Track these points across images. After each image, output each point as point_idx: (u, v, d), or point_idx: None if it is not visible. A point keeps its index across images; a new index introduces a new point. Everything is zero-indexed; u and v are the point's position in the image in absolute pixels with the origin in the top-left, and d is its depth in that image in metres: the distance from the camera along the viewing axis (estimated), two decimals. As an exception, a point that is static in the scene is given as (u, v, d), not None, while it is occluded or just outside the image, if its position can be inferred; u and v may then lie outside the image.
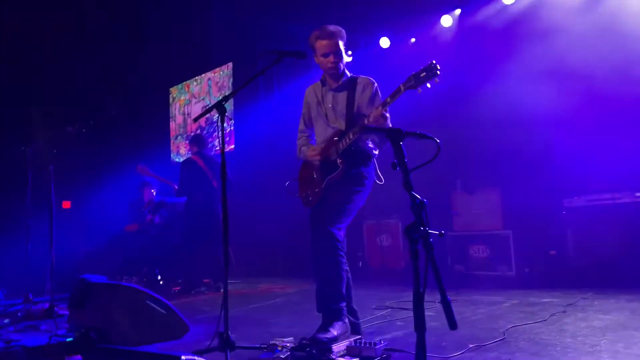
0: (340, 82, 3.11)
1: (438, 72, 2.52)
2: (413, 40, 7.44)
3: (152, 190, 7.33)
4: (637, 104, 5.15)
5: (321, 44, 3.03)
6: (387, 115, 2.84)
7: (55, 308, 4.37)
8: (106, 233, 7.65)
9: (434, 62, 2.54)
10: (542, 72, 5.80)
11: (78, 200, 8.11)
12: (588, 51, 5.46)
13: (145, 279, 6.59)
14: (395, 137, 1.51)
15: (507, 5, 6.38)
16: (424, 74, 2.55)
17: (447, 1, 6.87)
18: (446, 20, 6.96)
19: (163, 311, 3.34)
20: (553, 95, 5.67)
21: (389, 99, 2.75)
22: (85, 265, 6.91)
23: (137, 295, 3.33)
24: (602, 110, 5.41)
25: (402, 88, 2.66)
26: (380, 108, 2.76)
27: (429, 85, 2.57)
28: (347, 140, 2.93)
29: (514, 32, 6.26)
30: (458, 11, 6.93)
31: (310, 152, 3.15)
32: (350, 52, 8.19)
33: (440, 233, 1.47)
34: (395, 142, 1.51)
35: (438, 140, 1.59)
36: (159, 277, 6.62)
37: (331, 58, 3.02)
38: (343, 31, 3.07)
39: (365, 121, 2.81)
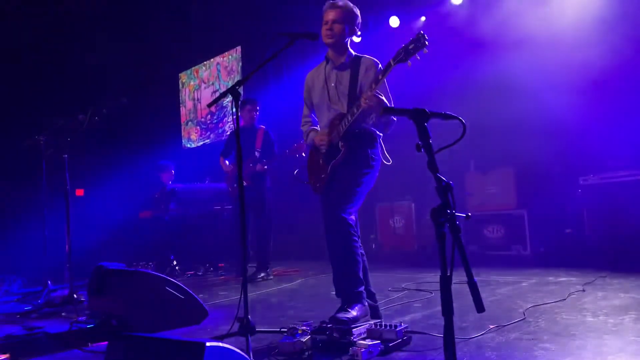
0: (342, 60, 3.06)
1: (426, 42, 2.49)
2: (423, 19, 7.34)
3: (172, 171, 7.31)
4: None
5: (324, 14, 3.01)
6: (382, 96, 2.77)
7: (75, 295, 4.42)
8: (121, 220, 7.70)
9: (421, 32, 2.53)
10: (556, 50, 5.70)
11: (92, 187, 8.16)
12: (601, 31, 5.35)
13: (161, 265, 6.64)
14: (420, 118, 1.48)
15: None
16: (412, 45, 2.54)
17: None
18: (457, -2, 6.84)
19: (182, 296, 3.35)
20: (567, 72, 5.58)
21: (380, 76, 2.72)
22: (102, 252, 6.96)
23: (156, 282, 3.35)
24: (617, 87, 5.32)
25: (392, 63, 2.63)
26: (373, 86, 2.73)
27: (418, 57, 2.55)
28: (347, 122, 2.90)
29: (527, 8, 6.14)
30: (469, -12, 6.81)
31: (318, 138, 3.12)
32: (359, 32, 8.12)
33: (467, 216, 1.44)
34: (419, 123, 1.48)
35: (464, 121, 1.55)
36: (175, 263, 6.67)
37: (327, 26, 2.98)
38: (350, 6, 3.02)
39: (361, 103, 2.77)
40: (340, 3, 3.00)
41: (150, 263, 6.79)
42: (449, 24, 6.98)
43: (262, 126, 5.94)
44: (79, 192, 8.24)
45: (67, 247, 4.79)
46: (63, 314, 4.08)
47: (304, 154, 5.26)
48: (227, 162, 5.98)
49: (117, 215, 7.89)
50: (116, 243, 7.63)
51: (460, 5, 6.88)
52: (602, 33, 5.35)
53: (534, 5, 6.08)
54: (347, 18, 2.99)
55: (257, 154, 5.74)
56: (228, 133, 9.30)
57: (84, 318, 3.65)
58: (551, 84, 5.65)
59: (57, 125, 4.87)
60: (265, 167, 5.64)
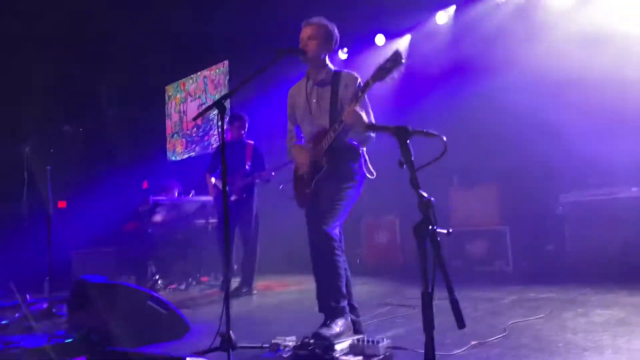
0: (322, 76, 3.10)
1: (403, 60, 2.54)
2: (409, 37, 7.45)
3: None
4: (632, 101, 5.15)
5: (301, 33, 3.08)
6: (362, 112, 2.80)
7: (53, 309, 4.35)
8: (104, 233, 7.61)
9: (398, 51, 2.56)
10: (539, 68, 5.82)
11: (75, 199, 8.07)
12: (583, 48, 5.49)
13: (143, 279, 6.57)
14: (402, 135, 1.51)
15: (501, 4, 6.39)
16: (389, 64, 2.58)
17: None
18: (441, 17, 6.97)
19: (164, 311, 3.33)
20: (549, 91, 5.69)
21: (359, 94, 2.76)
22: (83, 266, 6.88)
23: (138, 295, 3.32)
24: (598, 106, 5.42)
25: (370, 82, 2.68)
26: (352, 104, 2.76)
27: (395, 75, 2.58)
28: (330, 138, 2.92)
29: (510, 28, 6.27)
30: (453, 8, 6.94)
31: (300, 160, 3.15)
32: (345, 50, 8.19)
33: (448, 232, 1.47)
34: (401, 140, 1.50)
35: (445, 138, 1.58)
36: (157, 277, 6.60)
37: (302, 43, 3.04)
38: (325, 22, 3.09)
39: (343, 119, 2.81)
40: (315, 20, 3.07)
41: (133, 276, 6.72)
42: (434, 42, 7.10)
43: (250, 141, 5.94)
44: (62, 204, 8.16)
45: (47, 259, 4.73)
46: (41, 328, 4.01)
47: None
48: (212, 179, 5.93)
49: (100, 227, 7.80)
50: (98, 256, 7.54)
51: (444, 25, 7.00)
52: (587, 50, 5.48)
53: (518, 23, 6.21)
54: (321, 34, 3.05)
55: (247, 167, 5.73)
56: (214, 147, 9.29)
57: (62, 332, 3.59)
58: (534, 102, 5.75)
59: (41, 136, 4.84)
60: (273, 173, 5.61)
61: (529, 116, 5.83)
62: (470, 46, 6.66)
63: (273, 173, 5.61)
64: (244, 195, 5.70)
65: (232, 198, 5.61)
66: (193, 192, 7.22)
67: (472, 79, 6.39)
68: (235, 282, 5.84)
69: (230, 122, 5.79)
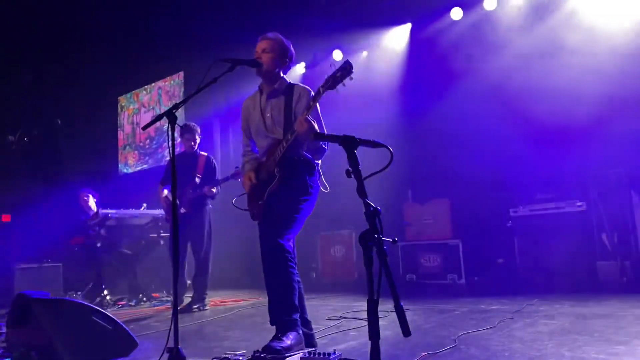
0: (275, 86, 3.11)
1: (352, 70, 2.60)
2: (365, 53, 7.58)
3: (89, 198, 7.09)
4: (580, 116, 5.37)
5: (256, 46, 3.10)
6: (314, 121, 2.81)
7: (-7, 326, 4.12)
8: (50, 247, 7.31)
9: (347, 61, 2.64)
10: (489, 86, 6.02)
11: (19, 212, 7.73)
12: (534, 66, 5.73)
13: (91, 294, 6.34)
14: (349, 145, 1.52)
15: (456, 21, 6.58)
16: (339, 73, 2.63)
17: (398, 15, 7.03)
18: (397, 34, 7.12)
19: (110, 327, 3.20)
20: (499, 109, 5.89)
21: (311, 103, 2.81)
22: (27, 281, 6.58)
23: (82, 311, 3.19)
24: (546, 123, 5.63)
25: (321, 90, 2.73)
26: (305, 113, 2.79)
27: (344, 84, 2.64)
28: (282, 148, 2.93)
29: (463, 47, 6.47)
30: (409, 25, 7.11)
31: (244, 181, 3.17)
32: (304, 64, 8.24)
33: (394, 240, 1.48)
34: (349, 150, 1.51)
35: (391, 149, 1.60)
36: (105, 293, 6.37)
37: (257, 55, 3.06)
38: (280, 38, 3.12)
39: (295, 128, 2.82)
40: (271, 35, 3.10)
41: (79, 292, 6.47)
42: (390, 58, 7.25)
43: (204, 153, 5.86)
44: (5, 218, 7.81)
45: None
46: (-22, 347, 3.79)
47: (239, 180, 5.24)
48: (165, 192, 5.81)
49: (46, 242, 7.50)
50: (44, 271, 7.22)
51: (400, 42, 7.16)
52: (538, 65, 5.71)
53: (472, 40, 6.41)
54: (276, 49, 3.07)
55: (197, 180, 5.64)
56: (167, 159, 9.13)
57: (0, 351, 3.40)
58: (487, 119, 5.94)
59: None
60: (214, 189, 5.53)
61: (481, 132, 6.02)
62: (425, 63, 6.83)
63: (214, 190, 5.54)
64: (194, 208, 5.59)
65: (182, 211, 5.50)
66: (145, 205, 7.05)
67: (426, 94, 6.55)
68: (187, 298, 5.72)
69: (181, 134, 5.70)
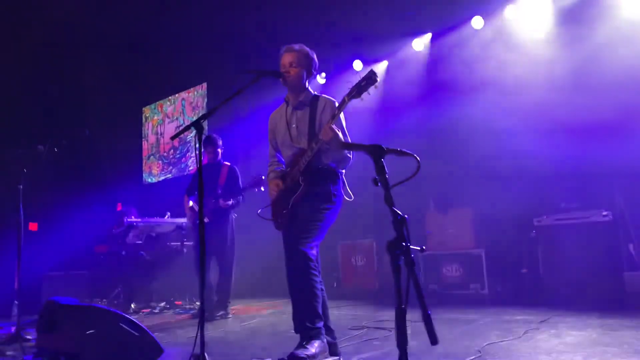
0: (300, 99, 3.14)
1: (377, 79, 2.65)
2: (385, 63, 7.60)
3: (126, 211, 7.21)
4: (605, 126, 5.30)
5: (281, 58, 3.14)
6: (338, 130, 2.85)
7: (22, 332, 4.22)
8: (76, 255, 7.45)
9: (372, 70, 2.68)
10: (512, 93, 5.98)
11: (47, 221, 7.90)
12: (560, 69, 5.67)
13: (116, 301, 6.44)
14: (376, 154, 1.54)
15: (477, 30, 6.57)
16: (364, 82, 2.68)
17: (418, 25, 7.04)
18: (417, 44, 7.13)
19: (136, 334, 3.26)
20: (523, 116, 5.84)
21: (336, 112, 2.84)
22: (54, 288, 6.71)
23: (110, 318, 3.25)
24: (570, 133, 5.57)
25: (346, 99, 2.77)
26: (330, 121, 2.81)
27: (369, 92, 2.69)
28: (307, 157, 2.96)
29: (485, 54, 6.45)
30: (429, 35, 7.11)
31: (270, 189, 3.21)
32: (324, 75, 8.29)
33: (422, 249, 1.49)
34: (376, 159, 1.53)
35: (418, 158, 1.62)
36: (131, 299, 6.47)
37: (284, 69, 3.09)
38: (306, 49, 3.16)
39: (320, 137, 2.85)
40: (297, 47, 3.12)
41: (105, 299, 6.57)
42: (410, 68, 7.25)
43: (227, 163, 5.93)
44: (33, 227, 7.98)
45: (16, 282, 4.60)
46: (9, 352, 3.88)
47: (262, 189, 5.29)
48: (190, 202, 5.89)
49: (72, 250, 7.65)
50: (70, 279, 7.37)
51: (420, 52, 7.16)
52: (558, 76, 5.66)
53: (494, 50, 6.38)
54: (302, 61, 3.11)
55: (219, 190, 5.71)
56: (191, 169, 9.24)
57: (30, 357, 3.48)
58: (508, 127, 5.89)
59: (13, 154, 4.74)
60: (229, 202, 5.60)
61: (503, 140, 5.96)
62: (445, 72, 6.82)
63: (229, 202, 5.57)
64: (217, 218, 5.65)
65: (205, 220, 5.56)
66: (169, 214, 7.15)
67: (447, 104, 6.53)
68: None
69: (204, 146, 5.79)
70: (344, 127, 3.04)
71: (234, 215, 5.83)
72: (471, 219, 6.24)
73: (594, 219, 5.27)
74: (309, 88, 3.19)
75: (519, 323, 4.04)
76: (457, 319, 4.46)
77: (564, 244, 5.38)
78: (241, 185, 5.75)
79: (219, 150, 5.90)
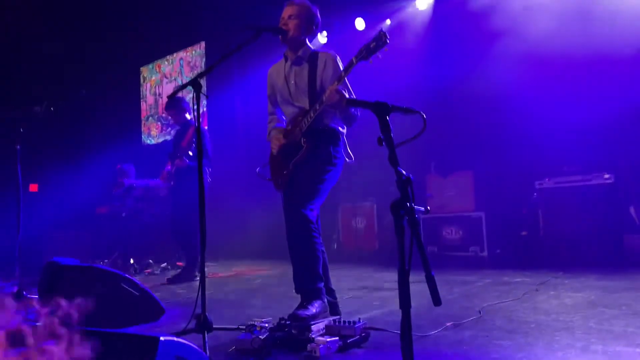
0: (299, 54, 3.05)
1: (387, 41, 2.52)
2: (388, 22, 7.42)
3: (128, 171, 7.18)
4: (609, 90, 5.22)
5: (282, 12, 3.04)
6: (345, 92, 2.77)
7: (24, 292, 4.25)
8: (76, 216, 7.47)
9: (382, 31, 2.55)
10: (515, 57, 5.85)
11: (46, 182, 7.88)
12: (563, 35, 5.53)
13: (117, 262, 6.49)
14: (382, 111, 1.49)
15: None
16: (374, 44, 2.55)
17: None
18: (421, 3, 6.95)
19: (137, 293, 3.28)
20: (525, 79, 5.74)
21: (343, 73, 2.73)
22: (55, 249, 6.75)
23: (111, 278, 3.26)
24: (573, 94, 5.50)
25: (354, 61, 2.65)
26: (335, 83, 2.73)
27: (379, 55, 2.57)
28: (309, 119, 2.89)
29: (489, 16, 6.28)
30: (434, -7, 6.93)
31: (272, 144, 3.13)
32: (325, 33, 8.10)
33: (426, 209, 1.46)
34: (381, 116, 1.48)
35: (424, 115, 1.57)
36: (132, 261, 6.51)
37: (283, 21, 3.00)
38: (307, 4, 3.05)
39: (324, 99, 2.77)
40: (297, 1, 3.01)
41: (106, 260, 6.62)
42: (414, 27, 7.09)
43: (193, 124, 5.70)
44: (33, 188, 7.97)
45: (17, 243, 4.61)
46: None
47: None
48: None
49: (73, 211, 7.65)
50: (71, 239, 7.40)
51: (424, 10, 6.99)
52: (558, 43, 5.52)
53: (496, 11, 6.21)
54: (302, 15, 3.00)
55: (179, 151, 5.58)
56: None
57: (33, 316, 3.51)
58: (509, 93, 5.81)
59: (10, 115, 4.67)
60: (183, 164, 5.44)
61: (505, 104, 5.89)
62: (450, 32, 6.67)
63: (183, 164, 5.44)
64: (178, 179, 5.59)
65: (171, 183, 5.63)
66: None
67: (451, 65, 6.40)
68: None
69: (166, 109, 5.80)
70: (349, 87, 2.96)
71: (208, 179, 5.61)
72: (472, 181, 6.22)
73: (595, 181, 5.25)
74: (309, 44, 3.10)
75: (518, 285, 4.06)
76: (456, 281, 4.49)
77: (565, 206, 5.38)
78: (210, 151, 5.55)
79: (185, 110, 5.73)
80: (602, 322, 2.66)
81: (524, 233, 5.90)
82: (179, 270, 5.70)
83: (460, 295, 3.75)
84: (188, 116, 5.73)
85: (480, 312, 3.04)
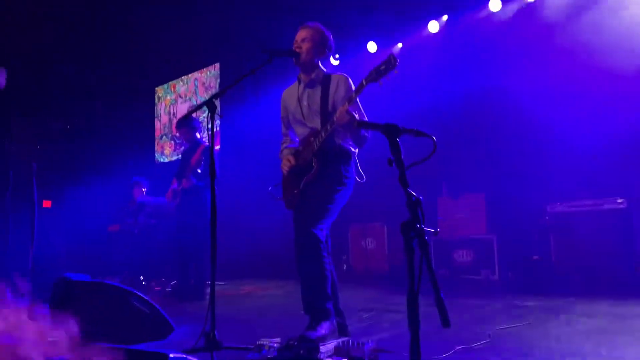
0: (312, 77, 3.10)
1: (397, 63, 2.57)
2: (400, 45, 7.50)
3: (143, 189, 7.24)
4: (619, 113, 5.22)
5: (296, 36, 3.09)
6: (355, 114, 2.80)
7: (36, 307, 4.27)
8: (88, 233, 7.53)
9: (392, 55, 2.60)
10: (528, 79, 5.88)
11: (60, 199, 7.97)
12: (577, 57, 5.55)
13: (127, 280, 6.51)
14: (392, 133, 1.51)
15: (494, 12, 6.45)
16: (384, 67, 2.60)
17: (435, 7, 6.92)
18: (433, 26, 7.02)
19: (147, 311, 3.29)
20: (538, 102, 5.76)
21: (353, 95, 2.78)
22: (67, 266, 6.79)
23: (122, 294, 3.29)
24: (586, 118, 5.49)
25: (364, 82, 2.70)
26: (346, 104, 2.77)
27: (388, 77, 2.63)
28: (321, 139, 2.93)
29: (501, 38, 6.34)
30: (445, 17, 7.00)
31: (283, 164, 3.17)
32: (337, 56, 8.19)
33: (436, 231, 1.47)
34: (391, 138, 1.51)
35: (434, 138, 1.59)
36: (142, 278, 6.54)
37: (296, 44, 3.05)
38: (320, 28, 3.11)
39: (335, 120, 2.81)
40: (311, 24, 3.10)
41: (117, 277, 6.64)
42: (425, 51, 7.15)
43: (203, 143, 5.69)
44: (47, 204, 8.07)
45: (30, 258, 4.66)
46: (22, 326, 3.94)
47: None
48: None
49: (85, 227, 7.72)
50: (82, 256, 7.45)
51: (436, 34, 7.06)
52: (571, 64, 5.55)
53: (511, 31, 6.26)
54: (315, 38, 3.07)
55: (187, 171, 5.50)
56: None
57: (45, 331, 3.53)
58: (522, 113, 5.82)
59: (28, 132, 4.77)
60: (188, 184, 5.34)
61: (518, 127, 5.89)
62: (461, 55, 6.71)
63: (188, 184, 5.37)
64: (185, 199, 5.53)
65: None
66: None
67: (462, 88, 6.44)
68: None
69: (178, 128, 5.82)
70: (361, 108, 2.99)
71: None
72: (483, 204, 6.19)
73: (608, 206, 5.20)
74: (321, 67, 3.15)
75: (529, 309, 4.02)
76: (466, 304, 4.44)
77: (577, 231, 5.32)
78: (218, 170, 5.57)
79: (195, 129, 5.77)
80: (613, 349, 2.63)
81: (535, 257, 5.84)
82: (178, 285, 5.69)
83: (470, 319, 3.72)
84: (198, 135, 5.80)
85: (490, 336, 3.01)
